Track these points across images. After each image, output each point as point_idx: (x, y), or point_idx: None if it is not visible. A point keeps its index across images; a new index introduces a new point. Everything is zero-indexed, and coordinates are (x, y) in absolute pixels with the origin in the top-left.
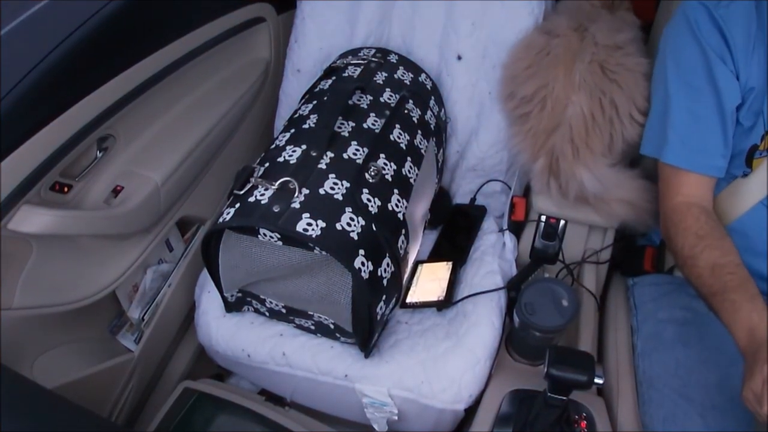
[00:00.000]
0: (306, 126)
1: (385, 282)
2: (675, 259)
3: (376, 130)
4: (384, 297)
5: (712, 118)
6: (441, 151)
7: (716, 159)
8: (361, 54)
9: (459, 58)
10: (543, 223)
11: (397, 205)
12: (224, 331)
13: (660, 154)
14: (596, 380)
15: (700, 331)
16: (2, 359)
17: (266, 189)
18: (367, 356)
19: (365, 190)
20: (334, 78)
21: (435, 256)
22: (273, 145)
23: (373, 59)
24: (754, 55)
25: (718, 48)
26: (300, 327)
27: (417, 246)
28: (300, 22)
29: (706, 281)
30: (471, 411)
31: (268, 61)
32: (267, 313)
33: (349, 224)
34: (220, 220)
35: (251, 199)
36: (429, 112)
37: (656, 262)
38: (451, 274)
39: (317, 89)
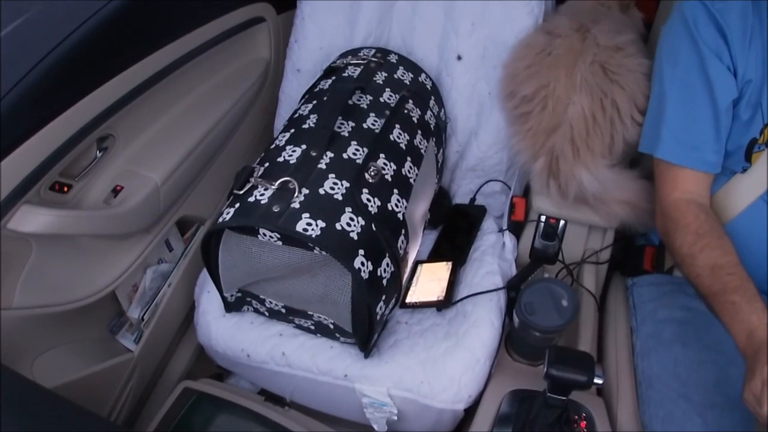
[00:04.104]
0: (306, 126)
1: (384, 282)
2: (673, 257)
3: (376, 130)
4: (384, 297)
5: (705, 115)
6: (441, 151)
7: (708, 154)
8: (361, 54)
9: (459, 58)
10: (543, 223)
11: (396, 205)
12: (224, 331)
13: (654, 150)
14: (596, 380)
15: (699, 330)
16: (2, 359)
17: (266, 189)
18: (366, 356)
19: (365, 190)
20: (333, 78)
21: (435, 256)
22: (273, 145)
23: (373, 59)
24: (752, 47)
25: (714, 43)
26: (300, 327)
27: (417, 246)
28: (300, 22)
29: (705, 281)
30: (471, 411)
31: (267, 61)
32: (267, 313)
33: (348, 224)
34: (220, 219)
35: (251, 199)
36: (429, 112)
37: (656, 262)
38: (450, 274)
39: (317, 89)
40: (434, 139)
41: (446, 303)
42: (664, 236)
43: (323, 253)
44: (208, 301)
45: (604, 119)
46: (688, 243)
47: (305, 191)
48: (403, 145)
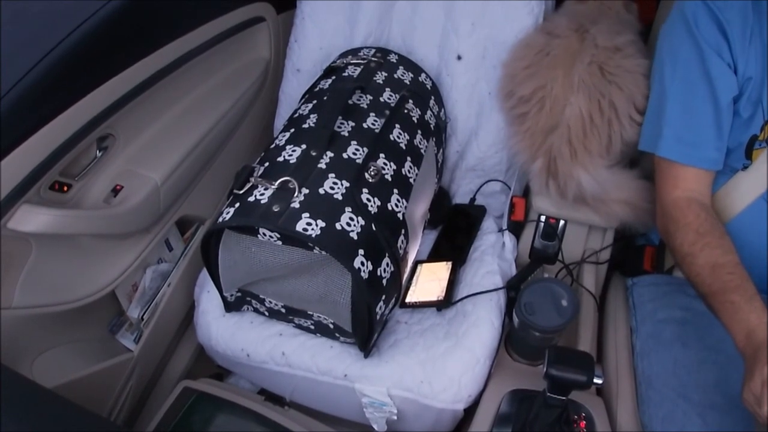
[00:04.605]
0: (306, 126)
1: (384, 282)
2: (673, 256)
3: (376, 130)
4: (383, 297)
5: (706, 112)
6: (441, 151)
7: (710, 152)
8: (361, 54)
9: (459, 58)
10: (542, 223)
11: (396, 205)
12: (224, 330)
13: (655, 148)
14: (595, 380)
15: (698, 331)
16: (2, 359)
17: (266, 188)
18: (366, 356)
19: (365, 190)
20: (333, 78)
21: (435, 256)
22: (273, 145)
23: (373, 59)
24: (752, 44)
25: (714, 41)
26: (299, 327)
27: (417, 246)
28: (300, 22)
29: (705, 280)
30: (470, 411)
31: (267, 61)
32: (266, 313)
33: (348, 224)
34: (220, 219)
35: (251, 199)
36: (429, 112)
37: (656, 262)
38: (450, 273)
39: (317, 89)
40: (434, 139)
41: (446, 303)
42: (664, 235)
43: (323, 252)
44: (208, 300)
45: (602, 120)
46: (688, 242)
47: (305, 191)
48: (403, 145)
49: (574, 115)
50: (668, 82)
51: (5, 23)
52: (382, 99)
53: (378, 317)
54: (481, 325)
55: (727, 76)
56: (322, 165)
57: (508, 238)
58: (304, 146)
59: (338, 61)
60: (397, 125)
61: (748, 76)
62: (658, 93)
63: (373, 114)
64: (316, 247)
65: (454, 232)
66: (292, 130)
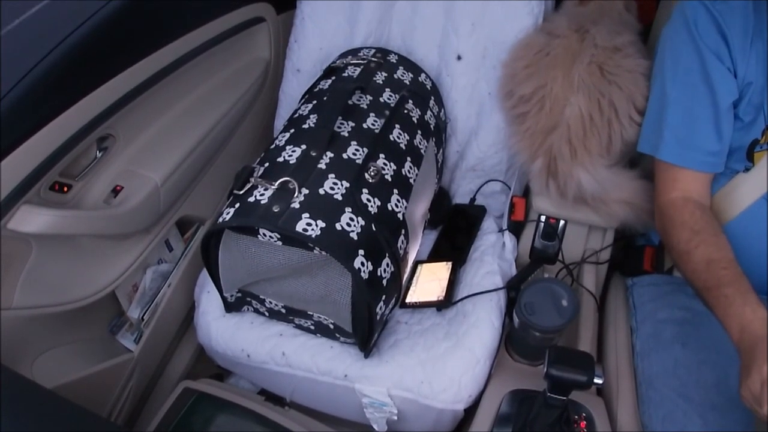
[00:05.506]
0: (306, 126)
1: (384, 282)
2: (670, 254)
3: (376, 130)
4: (384, 297)
5: (706, 115)
6: (441, 151)
7: (709, 155)
8: (361, 54)
9: (459, 58)
10: (543, 223)
11: (396, 205)
12: (224, 331)
13: (656, 151)
14: (596, 380)
15: (699, 331)
16: (2, 359)
17: (266, 189)
18: (366, 356)
19: (365, 190)
20: (333, 78)
21: (435, 256)
22: (273, 145)
23: (373, 59)
24: (753, 49)
25: (714, 45)
26: (300, 327)
27: (417, 246)
28: (300, 22)
29: (701, 276)
30: (471, 411)
31: (267, 61)
32: (267, 313)
33: (348, 224)
34: (220, 219)
35: (251, 199)
36: (429, 112)
37: (656, 262)
38: (450, 274)
39: (317, 89)
40: (434, 139)
41: (446, 303)
42: (662, 234)
43: (323, 253)
44: (208, 301)
45: (602, 120)
46: (684, 240)
47: (305, 191)
48: (403, 145)
49: (573, 115)
50: (669, 85)
51: (5, 23)
52: (381, 99)
53: (378, 317)
54: (481, 326)
55: (727, 79)
56: (322, 165)
57: (508, 238)
58: (304, 146)
59: (338, 62)
60: (397, 125)
61: (748, 80)
62: (658, 95)
63: (373, 114)
64: (316, 248)
65: (454, 233)
66: (292, 130)
